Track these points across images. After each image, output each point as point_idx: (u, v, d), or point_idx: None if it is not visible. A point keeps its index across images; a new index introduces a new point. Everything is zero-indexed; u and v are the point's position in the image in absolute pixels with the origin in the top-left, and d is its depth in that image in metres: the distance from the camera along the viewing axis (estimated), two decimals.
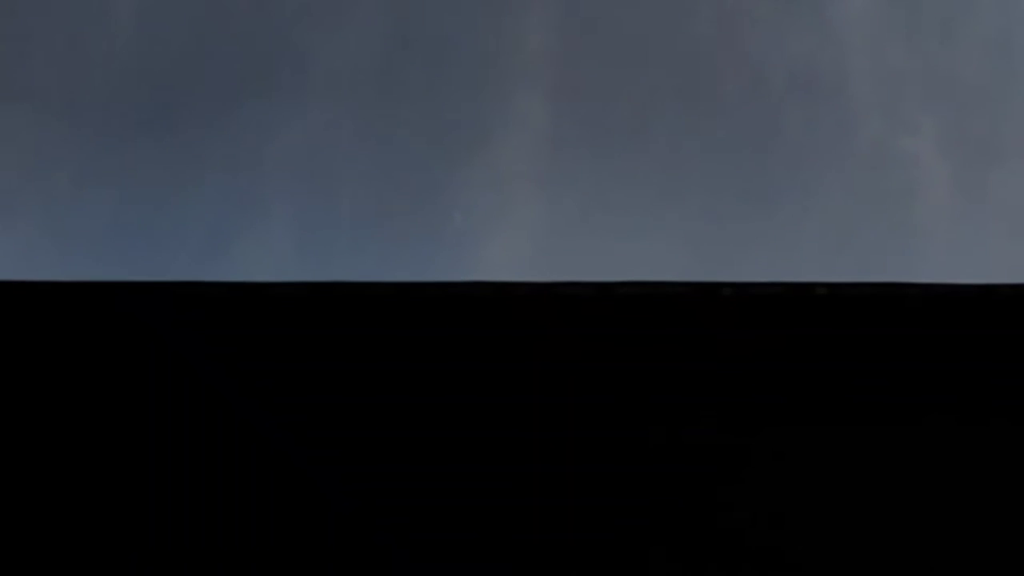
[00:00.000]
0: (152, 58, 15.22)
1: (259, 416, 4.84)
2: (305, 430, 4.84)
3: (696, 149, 17.49)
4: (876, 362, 4.68)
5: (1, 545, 4.61)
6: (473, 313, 4.40)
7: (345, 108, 16.92)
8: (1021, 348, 4.63)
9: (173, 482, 4.75)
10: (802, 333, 4.46)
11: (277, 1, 15.73)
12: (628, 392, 4.68)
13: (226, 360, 4.86)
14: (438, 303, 4.44)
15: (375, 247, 16.24)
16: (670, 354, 4.51)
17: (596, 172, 17.34)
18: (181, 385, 4.82)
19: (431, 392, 4.74)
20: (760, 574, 4.55)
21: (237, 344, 4.88)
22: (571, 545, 4.58)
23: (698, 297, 4.26)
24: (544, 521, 4.62)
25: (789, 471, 4.67)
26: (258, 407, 4.84)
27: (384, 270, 15.64)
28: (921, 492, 4.64)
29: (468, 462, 4.67)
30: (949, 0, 16.55)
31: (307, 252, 16.20)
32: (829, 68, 16.90)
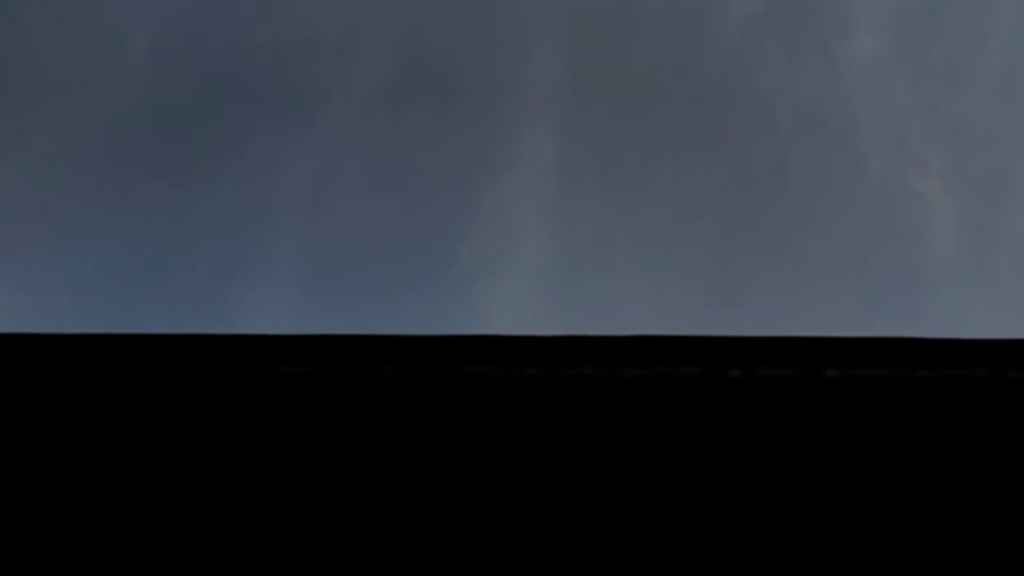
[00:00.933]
0: (161, 92, 15.21)
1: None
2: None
3: (704, 186, 17.46)
4: (887, 444, 4.67)
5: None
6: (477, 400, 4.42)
7: (352, 141, 16.91)
8: None
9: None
10: (812, 418, 4.48)
11: (286, 36, 15.73)
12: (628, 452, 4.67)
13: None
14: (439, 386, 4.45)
15: (382, 282, 16.21)
16: (674, 436, 4.51)
17: (604, 209, 17.32)
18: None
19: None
20: None
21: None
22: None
23: (705, 381, 4.28)
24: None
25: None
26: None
27: (391, 309, 15.59)
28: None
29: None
30: (956, 41, 16.55)
31: (314, 287, 16.17)
32: (837, 107, 16.87)
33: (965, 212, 15.96)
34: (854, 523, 4.61)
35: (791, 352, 4.62)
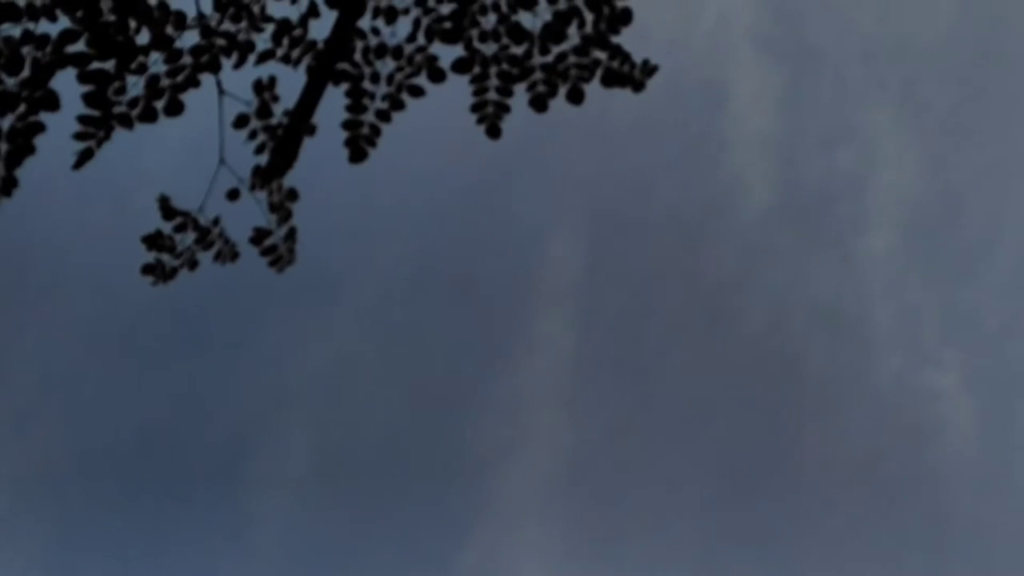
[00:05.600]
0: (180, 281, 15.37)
1: None
2: None
3: (719, 379, 17.48)
4: None
5: None
6: None
7: (370, 332, 16.95)
8: None
9: None
10: None
11: (306, 222, 15.89)
12: None
13: None
14: None
15: (391, 469, 16.12)
16: None
17: (619, 398, 17.31)
18: None
19: None
20: None
21: None
22: None
23: None
24: None
25: None
26: None
27: (400, 498, 15.49)
28: None
29: None
30: (968, 237, 16.70)
31: (323, 473, 16.07)
32: (851, 302, 16.98)
33: (981, 407, 15.96)
34: None
35: None
